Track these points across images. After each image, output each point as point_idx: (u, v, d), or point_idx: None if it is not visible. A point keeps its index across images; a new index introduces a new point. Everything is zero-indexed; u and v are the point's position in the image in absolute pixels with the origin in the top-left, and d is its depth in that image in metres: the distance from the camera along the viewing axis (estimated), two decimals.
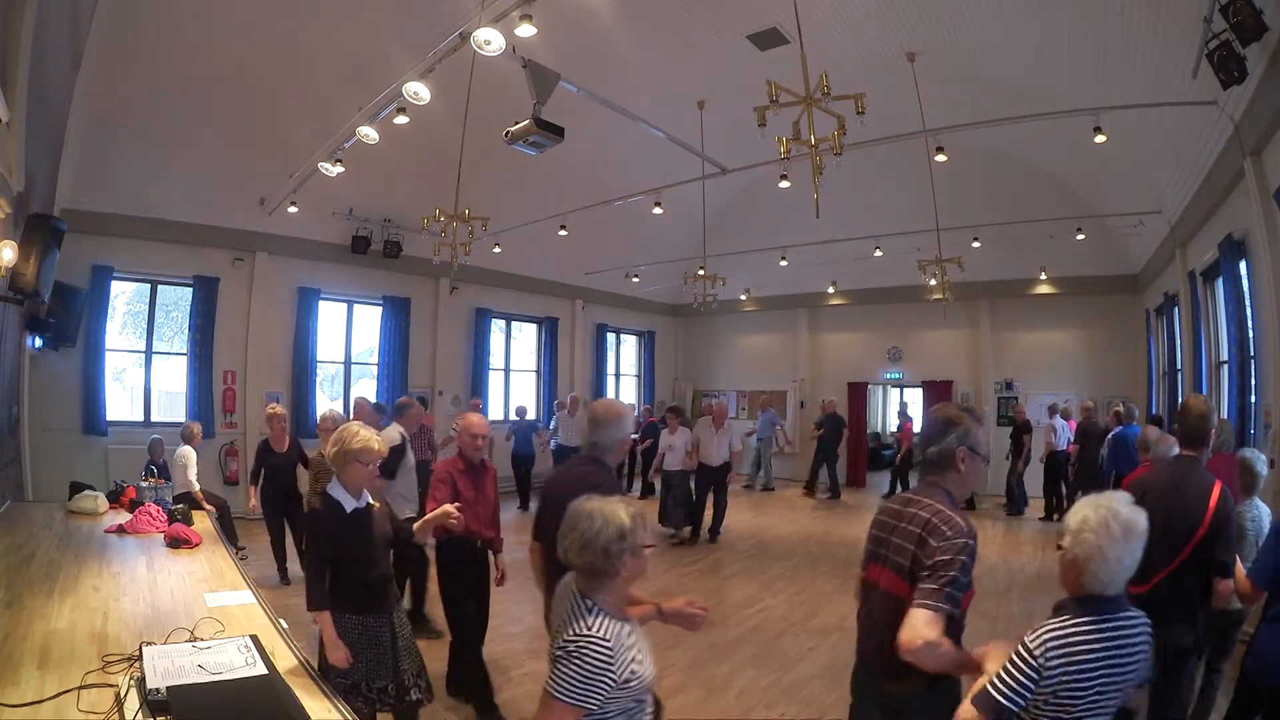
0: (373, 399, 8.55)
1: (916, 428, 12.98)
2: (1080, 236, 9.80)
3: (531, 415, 11.77)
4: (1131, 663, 1.69)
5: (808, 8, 5.77)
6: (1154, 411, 9.69)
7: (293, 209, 8.32)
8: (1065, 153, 8.87)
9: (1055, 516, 9.55)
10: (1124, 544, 1.68)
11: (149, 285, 8.76)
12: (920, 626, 1.70)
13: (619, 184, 9.67)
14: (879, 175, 10.00)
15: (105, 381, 8.07)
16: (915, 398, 13.27)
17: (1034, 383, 11.58)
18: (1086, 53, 6.46)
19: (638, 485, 11.75)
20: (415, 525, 3.01)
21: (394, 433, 5.05)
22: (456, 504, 3.04)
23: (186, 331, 8.84)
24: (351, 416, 6.27)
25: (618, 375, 15.30)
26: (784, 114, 4.93)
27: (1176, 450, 3.15)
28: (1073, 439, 9.53)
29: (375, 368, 10.66)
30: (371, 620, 2.66)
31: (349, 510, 2.67)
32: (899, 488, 11.46)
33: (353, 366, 10.71)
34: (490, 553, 3.92)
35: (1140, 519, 1.72)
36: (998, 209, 9.81)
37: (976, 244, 9.77)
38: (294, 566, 6.04)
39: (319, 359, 10.03)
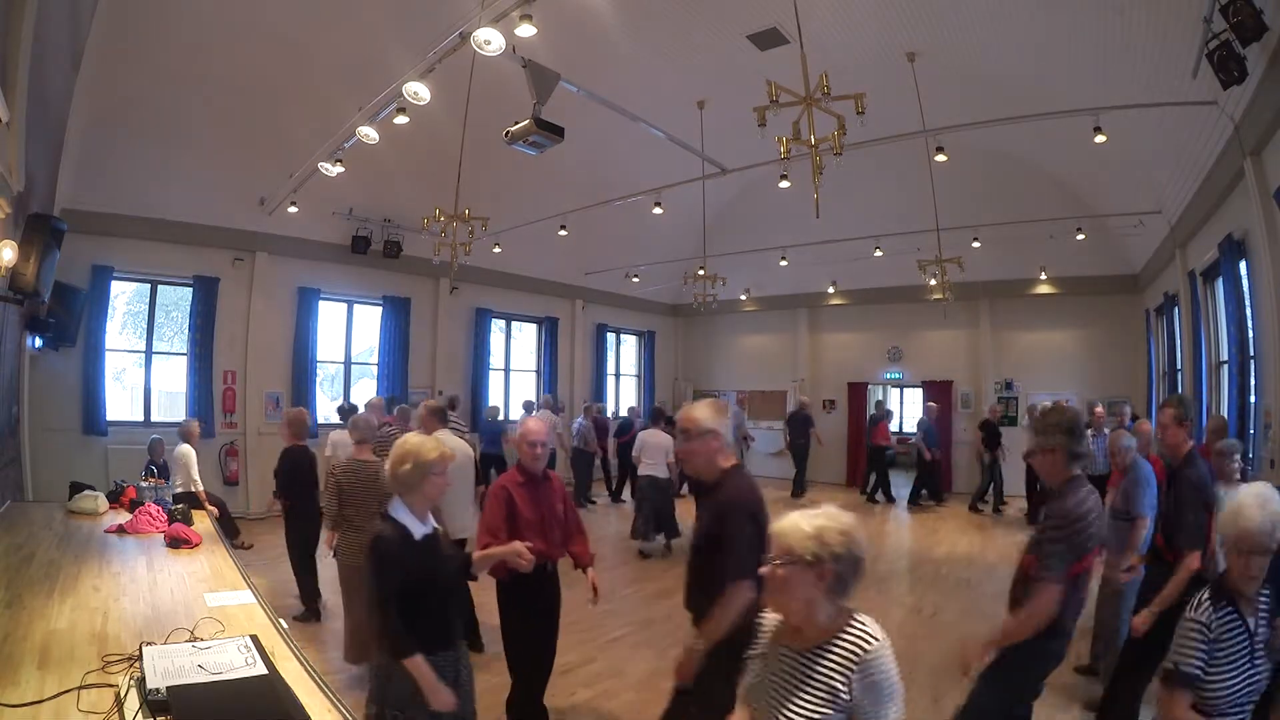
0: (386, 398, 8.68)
1: (901, 427, 13.11)
2: (1080, 236, 9.80)
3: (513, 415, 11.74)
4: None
5: (808, 8, 5.78)
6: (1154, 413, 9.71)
7: (293, 209, 8.32)
8: (1065, 153, 8.87)
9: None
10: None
11: (149, 285, 8.76)
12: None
13: (619, 184, 9.67)
14: (879, 175, 10.00)
15: (105, 381, 8.07)
16: (915, 397, 13.26)
17: (1034, 383, 11.58)
18: (1086, 53, 6.46)
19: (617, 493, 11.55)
20: (475, 555, 2.69)
21: (465, 443, 4.93)
22: (529, 544, 2.73)
23: (186, 331, 8.84)
24: (416, 423, 5.52)
25: (618, 375, 15.30)
26: (784, 114, 4.93)
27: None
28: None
29: (375, 368, 10.66)
30: (439, 659, 2.32)
31: (419, 537, 2.33)
32: (879, 488, 11.44)
33: (353, 366, 10.71)
34: (553, 570, 3.44)
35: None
36: (998, 209, 9.81)
37: (976, 244, 9.78)
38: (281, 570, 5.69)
39: (319, 359, 10.03)
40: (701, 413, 2.51)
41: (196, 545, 3.79)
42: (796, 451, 12.00)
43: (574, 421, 11.34)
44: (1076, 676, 4.26)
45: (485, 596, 4.00)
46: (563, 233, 10.42)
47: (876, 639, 1.52)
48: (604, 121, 7.28)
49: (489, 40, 4.28)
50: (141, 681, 1.83)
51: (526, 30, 4.25)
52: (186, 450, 6.54)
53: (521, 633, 3.31)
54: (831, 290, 13.42)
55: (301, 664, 2.18)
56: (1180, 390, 8.16)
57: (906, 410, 17.77)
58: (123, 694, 1.83)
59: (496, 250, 10.40)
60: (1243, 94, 4.93)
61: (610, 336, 14.76)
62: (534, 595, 3.23)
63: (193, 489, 6.40)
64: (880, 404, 12.57)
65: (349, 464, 4.40)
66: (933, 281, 9.10)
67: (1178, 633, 2.02)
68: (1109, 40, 6.08)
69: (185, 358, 8.79)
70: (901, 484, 12.00)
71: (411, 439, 2.43)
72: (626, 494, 11.00)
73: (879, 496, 11.47)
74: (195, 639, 2.23)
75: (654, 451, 7.93)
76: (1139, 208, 8.52)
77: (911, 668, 4.54)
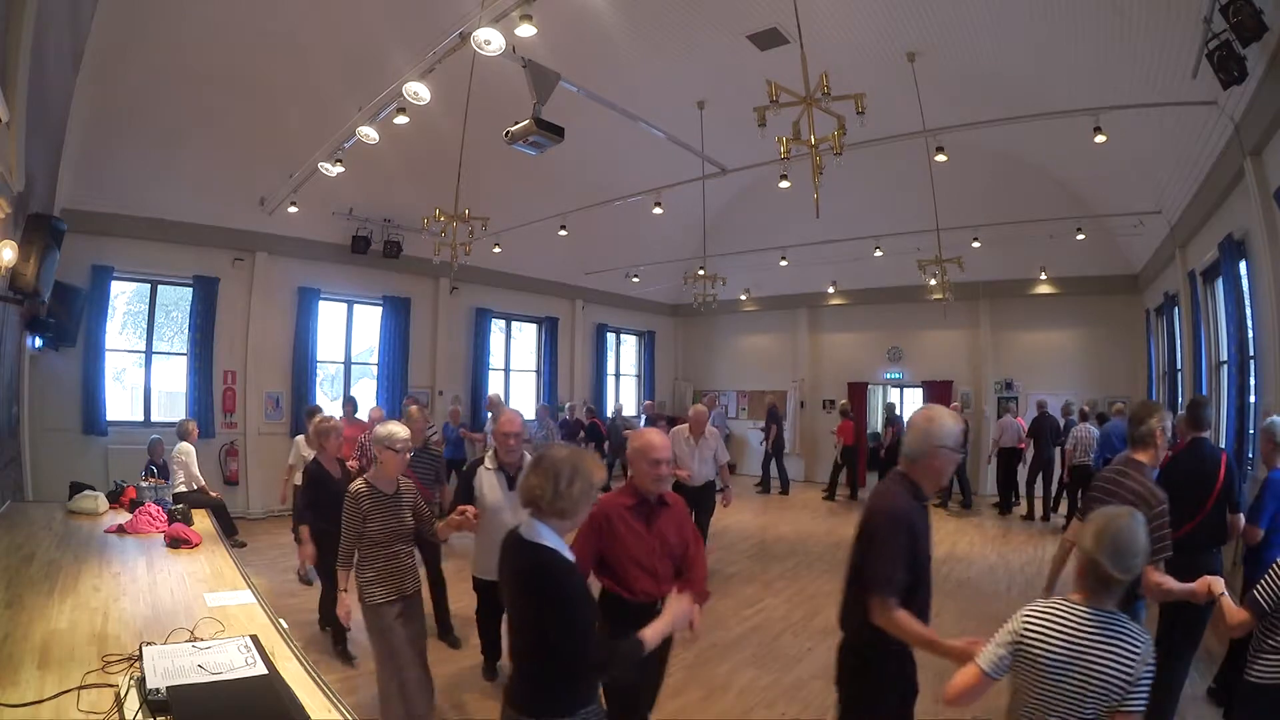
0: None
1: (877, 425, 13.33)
2: (1080, 236, 9.81)
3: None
4: None
5: (808, 8, 5.77)
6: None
7: (293, 209, 8.32)
8: (1065, 153, 8.86)
9: (1012, 511, 10.19)
10: None
11: (149, 285, 8.75)
12: (1155, 577, 2.60)
13: (619, 184, 9.67)
14: (879, 175, 9.99)
15: (105, 381, 8.07)
16: (915, 397, 13.31)
17: (1034, 383, 11.58)
18: (1086, 53, 6.46)
19: None
20: None
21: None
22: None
23: (186, 331, 8.84)
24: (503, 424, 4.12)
25: (618, 375, 15.30)
26: (784, 114, 4.93)
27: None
28: (1024, 435, 10.15)
29: (375, 368, 10.67)
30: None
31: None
32: (836, 484, 11.79)
33: (353, 366, 10.72)
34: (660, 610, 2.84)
35: None
36: (998, 209, 9.81)
37: (976, 244, 9.78)
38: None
39: (319, 359, 10.03)
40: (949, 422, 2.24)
41: (196, 545, 3.79)
42: (774, 448, 12.33)
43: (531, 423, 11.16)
44: None
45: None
46: (563, 233, 10.42)
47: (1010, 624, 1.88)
48: (604, 121, 7.28)
49: (489, 40, 4.28)
50: (141, 681, 1.83)
51: (526, 30, 4.24)
52: (186, 448, 6.56)
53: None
54: (831, 290, 13.42)
55: (301, 664, 2.18)
56: (1180, 391, 8.16)
57: (907, 411, 17.82)
58: (123, 694, 1.83)
59: (496, 250, 10.40)
60: (1243, 94, 4.93)
61: (610, 336, 14.76)
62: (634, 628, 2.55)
63: (195, 485, 6.43)
64: (844, 404, 12.53)
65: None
66: (933, 281, 9.09)
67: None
68: (1109, 40, 6.07)
69: (185, 358, 8.79)
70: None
71: (559, 452, 2.02)
72: None
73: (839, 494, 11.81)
74: (195, 639, 2.23)
75: None
76: (1139, 208, 8.52)
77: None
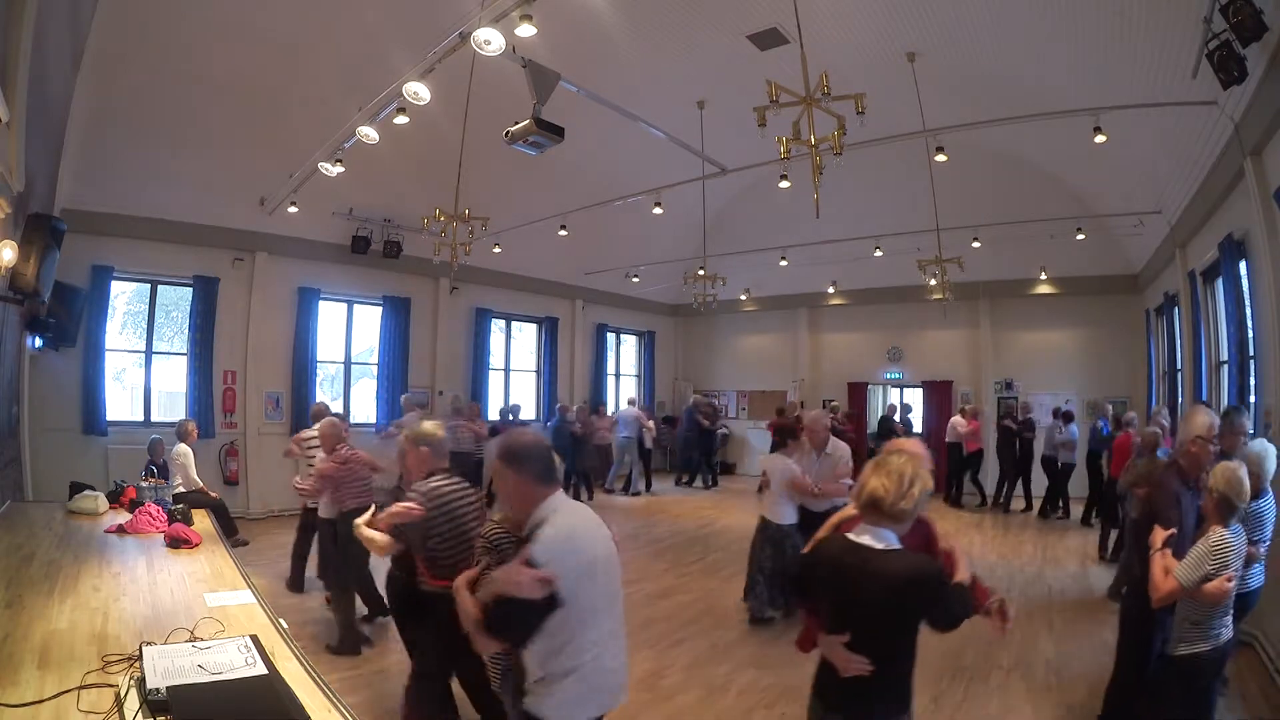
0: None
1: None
2: (1080, 236, 9.81)
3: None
4: None
5: (808, 8, 5.77)
6: (1151, 411, 9.75)
7: (293, 209, 8.31)
8: (1065, 153, 8.87)
9: (956, 501, 10.70)
10: None
11: (149, 285, 8.76)
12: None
13: (619, 184, 9.67)
14: (879, 175, 10.00)
15: (105, 381, 8.07)
16: (915, 397, 13.32)
17: (1034, 383, 11.59)
18: (1086, 53, 6.46)
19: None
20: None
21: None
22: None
23: (186, 331, 8.84)
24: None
25: (618, 375, 15.30)
26: (784, 114, 4.93)
27: None
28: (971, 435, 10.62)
29: (375, 368, 10.67)
30: None
31: None
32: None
33: (353, 366, 10.72)
34: None
35: None
36: (998, 209, 9.81)
37: (976, 244, 9.78)
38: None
39: (319, 359, 10.03)
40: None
41: (196, 545, 3.79)
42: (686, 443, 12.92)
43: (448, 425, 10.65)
44: None
45: None
46: (563, 233, 10.42)
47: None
48: (604, 121, 7.28)
49: (489, 40, 4.28)
50: (141, 681, 1.83)
51: (526, 30, 4.24)
52: (184, 450, 6.56)
53: None
54: (831, 290, 13.43)
55: (301, 664, 2.18)
56: (1180, 391, 8.16)
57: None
58: (123, 694, 1.83)
59: (496, 250, 10.40)
60: (1243, 94, 4.93)
61: (610, 336, 14.77)
62: None
63: (193, 489, 6.43)
64: (791, 404, 12.48)
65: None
66: (933, 281, 9.10)
67: None
68: (1109, 40, 6.08)
69: (185, 358, 8.79)
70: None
71: (913, 457, 1.94)
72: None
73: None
74: (195, 639, 2.23)
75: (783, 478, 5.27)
76: (1139, 208, 8.52)
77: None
